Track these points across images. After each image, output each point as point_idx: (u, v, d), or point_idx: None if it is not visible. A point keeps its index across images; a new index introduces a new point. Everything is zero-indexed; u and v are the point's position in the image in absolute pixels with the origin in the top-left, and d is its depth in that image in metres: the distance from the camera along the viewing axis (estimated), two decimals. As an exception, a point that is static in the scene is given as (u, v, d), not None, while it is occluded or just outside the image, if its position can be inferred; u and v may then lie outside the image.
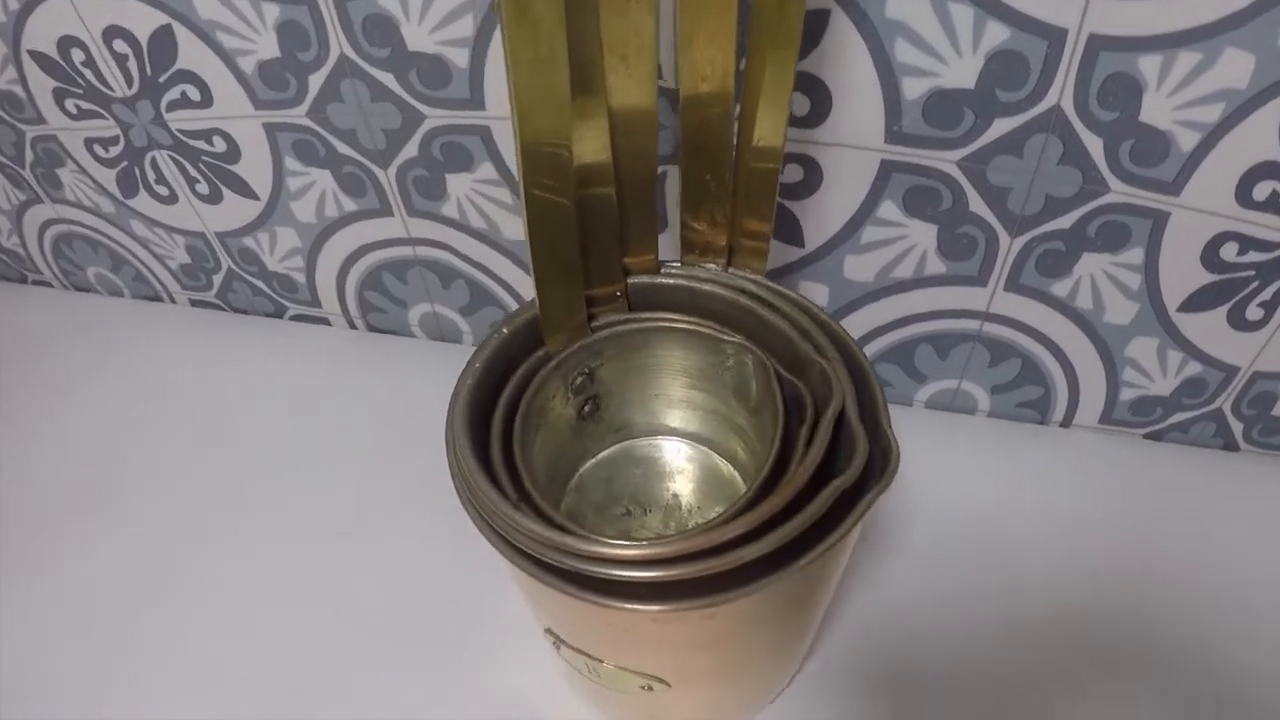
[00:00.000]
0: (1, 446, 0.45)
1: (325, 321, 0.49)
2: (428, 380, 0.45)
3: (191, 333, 0.51)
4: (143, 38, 0.37)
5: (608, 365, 0.27)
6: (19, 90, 0.42)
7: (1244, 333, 0.37)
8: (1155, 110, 0.31)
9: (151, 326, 0.52)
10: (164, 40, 0.37)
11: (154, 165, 0.43)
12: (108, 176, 0.45)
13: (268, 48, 0.36)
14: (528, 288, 0.43)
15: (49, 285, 0.57)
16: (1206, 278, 0.36)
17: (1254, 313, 0.37)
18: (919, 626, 0.35)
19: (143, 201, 0.46)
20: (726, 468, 0.29)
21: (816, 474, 0.21)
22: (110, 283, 0.54)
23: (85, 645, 0.36)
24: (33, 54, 0.40)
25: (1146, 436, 0.43)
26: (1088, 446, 0.42)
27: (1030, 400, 0.42)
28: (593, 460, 0.29)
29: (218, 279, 0.49)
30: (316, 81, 0.36)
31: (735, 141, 0.25)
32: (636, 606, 0.20)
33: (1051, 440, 0.42)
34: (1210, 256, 0.35)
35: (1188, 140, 0.31)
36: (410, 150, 0.38)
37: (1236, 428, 0.42)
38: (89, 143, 0.44)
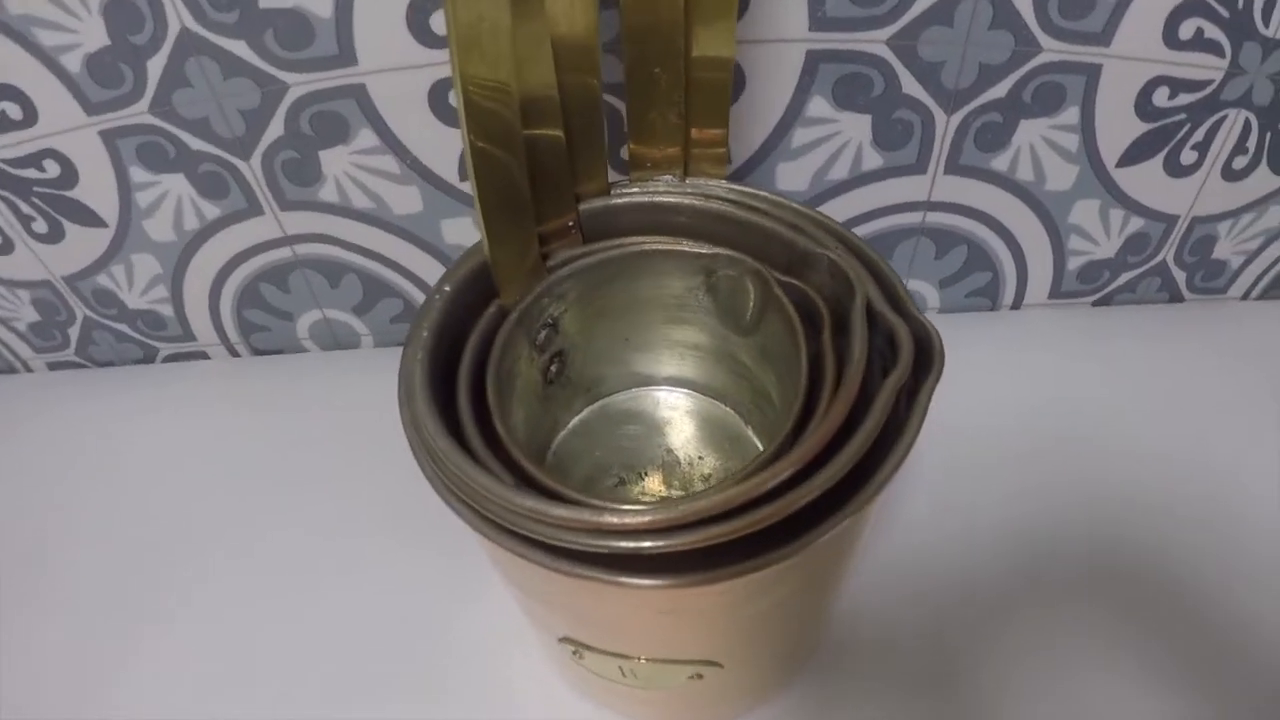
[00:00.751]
0: None
1: (203, 355, 0.43)
2: (332, 394, 0.40)
3: (55, 400, 0.44)
4: None
5: (571, 311, 0.23)
6: None
7: (1180, 179, 0.36)
8: (1080, -47, 0.29)
9: (8, 404, 0.44)
10: None
11: None
12: None
13: (95, 36, 0.30)
14: (425, 269, 0.38)
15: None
16: (1141, 128, 0.34)
17: (1188, 157, 0.36)
18: (914, 521, 0.32)
19: (-26, 255, 0.39)
20: (719, 408, 0.26)
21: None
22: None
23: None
24: None
25: (1095, 304, 0.42)
26: (1039, 324, 0.41)
27: (979, 288, 0.40)
28: (566, 430, 0.26)
29: (74, 333, 0.43)
30: (156, 67, 0.31)
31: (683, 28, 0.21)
32: (690, 578, 0.16)
33: (1004, 324, 0.41)
34: (1144, 105, 0.33)
35: (1114, -16, 0.29)
36: (275, 130, 0.32)
37: (1180, 278, 0.41)
38: None
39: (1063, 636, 0.29)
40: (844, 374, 0.18)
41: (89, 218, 0.37)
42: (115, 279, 0.39)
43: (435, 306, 0.20)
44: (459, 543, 0.31)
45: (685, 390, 0.26)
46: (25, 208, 0.36)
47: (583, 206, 0.22)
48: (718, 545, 0.16)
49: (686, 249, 0.22)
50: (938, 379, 0.18)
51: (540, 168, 0.21)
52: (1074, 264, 0.39)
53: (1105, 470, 0.34)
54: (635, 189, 0.23)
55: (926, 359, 0.18)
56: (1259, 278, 0.42)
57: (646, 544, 0.16)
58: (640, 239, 0.22)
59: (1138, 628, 0.30)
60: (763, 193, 0.23)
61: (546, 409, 0.24)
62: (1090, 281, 0.40)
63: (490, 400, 0.19)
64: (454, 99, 0.19)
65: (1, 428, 0.42)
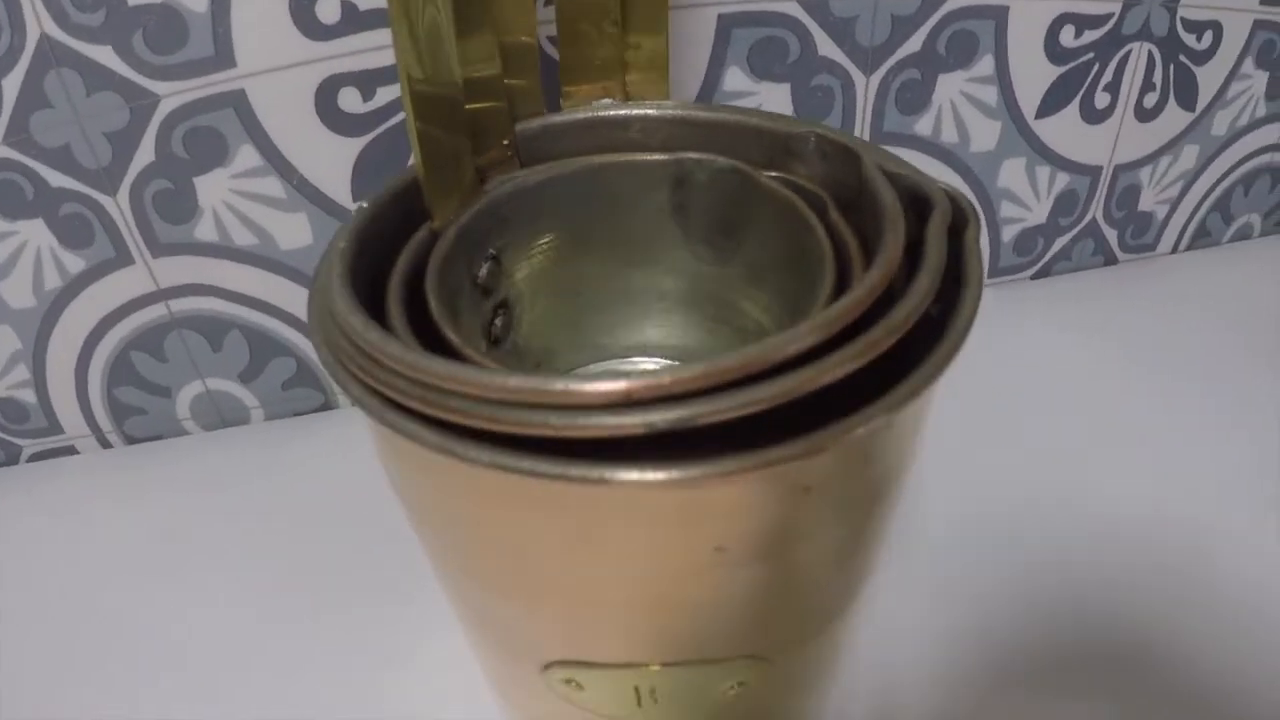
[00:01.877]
0: None
1: (72, 450, 0.38)
2: (221, 478, 0.35)
3: None
4: None
5: (516, 249, 0.19)
6: None
7: (1097, 125, 0.36)
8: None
9: None
10: None
11: None
12: None
13: None
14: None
15: None
16: (1054, 71, 0.34)
17: (1101, 99, 0.35)
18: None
19: None
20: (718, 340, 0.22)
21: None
22: None
23: None
24: None
25: (1034, 277, 0.41)
26: (982, 305, 0.39)
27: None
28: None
29: (-87, 437, 0.37)
30: (12, 86, 0.27)
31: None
32: (706, 466, 0.12)
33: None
34: (1052, 46, 0.33)
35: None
36: (145, 155, 0.28)
37: (1111, 236, 0.40)
38: None
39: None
40: (872, 245, 0.15)
41: (-75, 289, 0.32)
42: (-37, 364, 0.34)
43: (353, 221, 0.16)
44: (374, 608, 0.27)
45: (655, 361, 0.23)
46: None
47: (519, 127, 0.19)
48: (743, 423, 0.12)
49: (645, 159, 0.19)
50: (979, 227, 0.15)
51: (474, 92, 0.18)
52: (1008, 234, 0.38)
53: (1051, 444, 0.32)
54: (577, 111, 0.20)
55: (960, 211, 0.15)
56: (1183, 229, 0.42)
57: (666, 414, 0.12)
58: (593, 157, 0.19)
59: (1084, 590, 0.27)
60: (716, 105, 0.20)
61: (501, 358, 0.21)
62: (1026, 253, 0.39)
63: (433, 309, 0.16)
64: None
65: None
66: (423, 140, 0.16)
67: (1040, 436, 0.32)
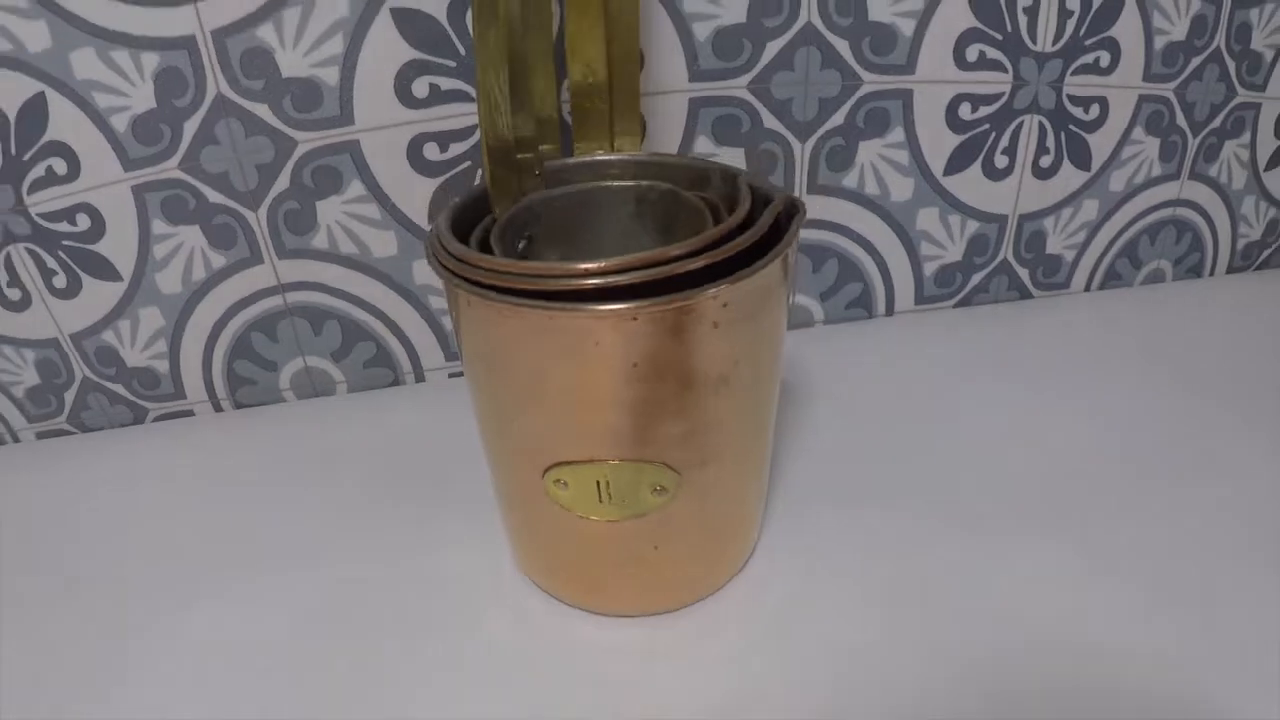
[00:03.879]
0: None
1: (189, 414, 0.56)
2: (315, 441, 0.53)
3: (46, 468, 0.54)
4: (11, 111, 0.44)
5: (542, 232, 0.38)
6: None
7: (998, 182, 0.54)
8: (878, 9, 0.47)
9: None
10: (35, 111, 0.44)
11: (7, 265, 0.49)
12: None
13: (143, 100, 0.44)
14: (401, 312, 0.53)
15: None
16: (955, 139, 0.52)
17: (1000, 161, 0.53)
18: (826, 485, 0.46)
19: (-9, 319, 0.52)
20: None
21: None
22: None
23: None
24: None
25: (956, 305, 0.58)
26: (911, 328, 0.57)
27: (854, 299, 0.57)
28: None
29: (70, 396, 0.55)
30: (191, 127, 0.45)
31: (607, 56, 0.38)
32: (634, 309, 0.28)
33: (881, 331, 0.57)
34: (953, 119, 0.51)
35: (907, 27, 0.47)
36: (282, 183, 0.47)
37: (1023, 274, 0.58)
38: None
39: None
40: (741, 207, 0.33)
41: (107, 271, 0.50)
42: (119, 335, 0.52)
43: (452, 205, 0.35)
44: (419, 525, 0.44)
45: None
46: (50, 261, 0.49)
47: (547, 164, 0.38)
48: (666, 281, 0.29)
49: (619, 184, 0.38)
50: (802, 216, 0.33)
51: (521, 145, 0.36)
52: (929, 269, 0.56)
53: (965, 453, 0.47)
54: (582, 157, 0.39)
55: (793, 207, 0.33)
56: (1093, 270, 0.60)
57: (614, 275, 0.29)
58: (585, 182, 0.38)
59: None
60: (664, 153, 0.39)
61: None
62: (947, 285, 0.57)
63: (496, 254, 0.33)
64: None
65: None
66: (491, 171, 0.35)
67: (950, 430, 0.49)
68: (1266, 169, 0.59)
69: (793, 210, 0.33)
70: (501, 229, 0.35)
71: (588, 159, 0.38)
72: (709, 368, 0.31)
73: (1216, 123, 0.56)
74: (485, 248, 0.34)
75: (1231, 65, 0.54)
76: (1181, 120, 0.55)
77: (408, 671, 0.37)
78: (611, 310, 0.29)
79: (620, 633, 0.38)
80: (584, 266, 0.29)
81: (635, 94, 0.38)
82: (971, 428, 0.48)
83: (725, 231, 0.31)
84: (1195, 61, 0.53)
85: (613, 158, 0.38)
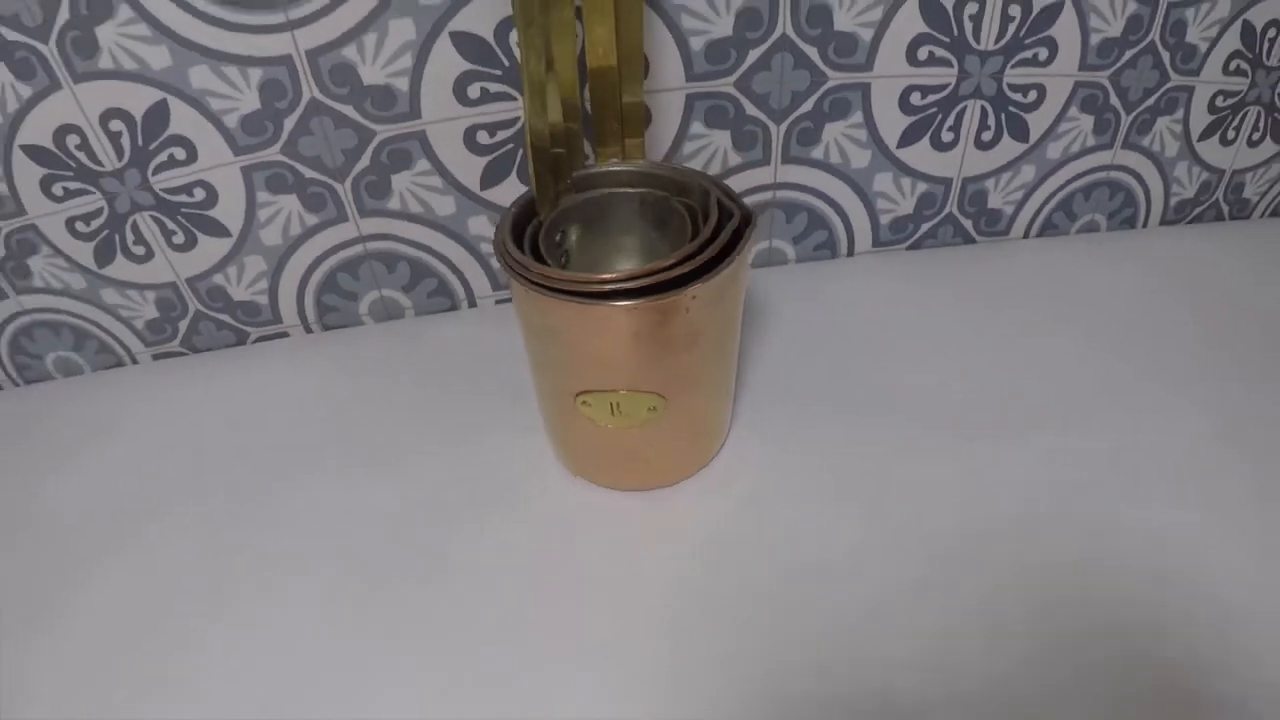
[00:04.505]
0: None
1: (284, 335, 0.73)
2: (389, 357, 0.70)
3: (161, 385, 0.71)
4: (138, 114, 0.58)
5: (573, 229, 0.53)
6: (1, 188, 0.61)
7: (944, 152, 0.68)
8: (842, 21, 0.60)
9: (120, 394, 0.71)
10: (158, 114, 0.58)
11: (134, 228, 0.65)
12: (84, 251, 0.66)
13: (250, 103, 0.59)
14: (457, 255, 0.68)
15: (-3, 389, 0.76)
16: (907, 120, 0.66)
17: (946, 136, 0.67)
18: (778, 416, 0.62)
19: (118, 268, 0.67)
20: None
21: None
22: (69, 364, 0.74)
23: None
24: (25, 148, 0.59)
25: (908, 248, 0.74)
26: (869, 267, 0.72)
27: (821, 242, 0.72)
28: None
29: (183, 325, 0.72)
30: (290, 123, 0.61)
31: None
32: (635, 305, 0.45)
33: (843, 268, 0.72)
34: (905, 105, 0.65)
35: (866, 35, 0.61)
36: (364, 162, 0.63)
37: (967, 224, 0.73)
38: (70, 221, 0.64)
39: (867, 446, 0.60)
40: (707, 224, 0.49)
41: (219, 230, 0.66)
42: (228, 278, 0.68)
43: (510, 212, 0.50)
44: (495, 437, 0.61)
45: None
46: (170, 224, 0.65)
47: (575, 173, 0.53)
48: (659, 285, 0.45)
49: (628, 191, 0.53)
50: (754, 228, 0.48)
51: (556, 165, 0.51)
52: (884, 219, 0.71)
53: (906, 370, 0.65)
54: (599, 167, 0.54)
55: (748, 218, 0.48)
56: (1031, 220, 0.74)
57: (623, 283, 0.45)
58: (604, 189, 0.53)
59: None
60: (662, 163, 0.53)
61: None
62: (900, 232, 0.72)
63: (543, 253, 0.49)
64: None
65: (115, 413, 0.69)
66: (536, 174, 0.50)
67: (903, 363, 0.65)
68: (1200, 139, 0.72)
69: (746, 223, 0.48)
70: (546, 229, 0.50)
71: (604, 168, 0.53)
72: (684, 335, 0.47)
73: (1150, 102, 0.68)
74: (535, 242, 0.50)
75: (1166, 55, 0.66)
76: (1115, 101, 0.68)
77: (473, 528, 0.55)
78: (621, 305, 0.45)
79: (625, 502, 0.56)
80: (603, 276, 0.45)
81: (640, 99, 0.53)
82: (914, 349, 0.65)
83: (697, 247, 0.46)
84: (1129, 54, 0.65)
85: (622, 168, 0.53)
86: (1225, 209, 0.78)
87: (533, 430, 0.59)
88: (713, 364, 0.52)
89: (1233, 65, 0.67)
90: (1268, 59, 0.67)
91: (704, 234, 0.47)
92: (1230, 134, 0.72)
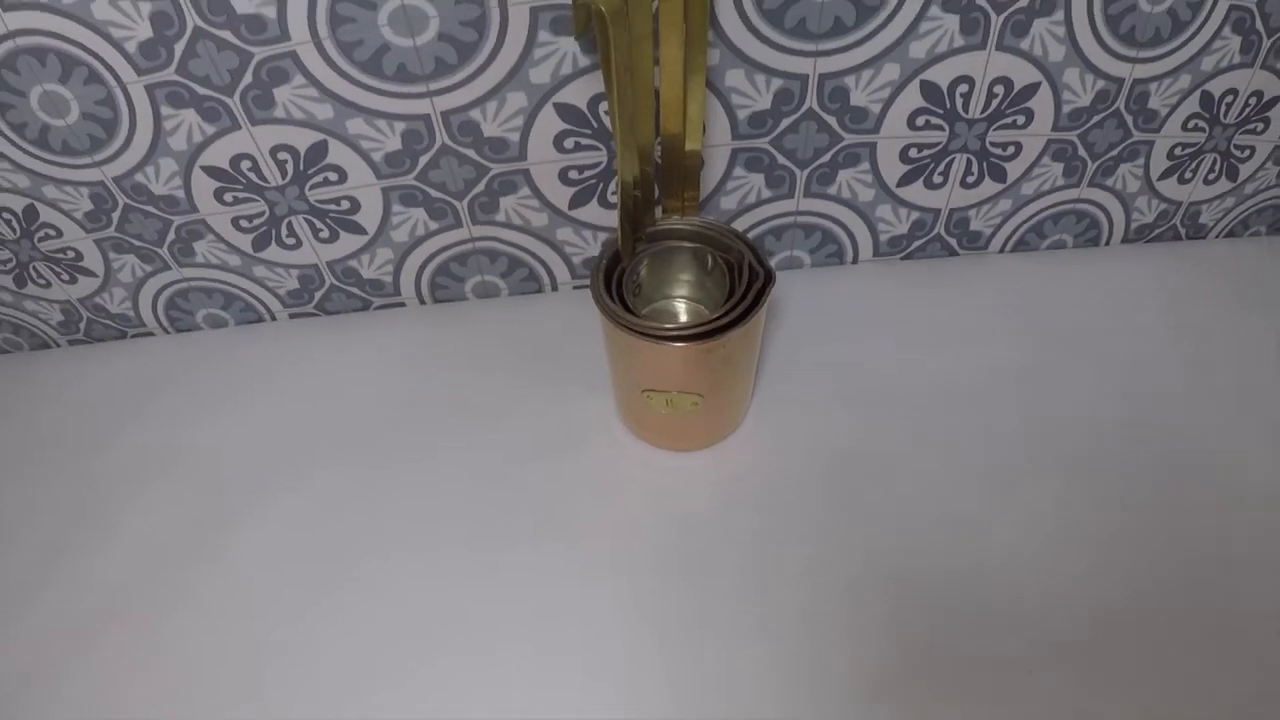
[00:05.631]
0: (141, 466, 0.81)
1: (401, 305, 0.98)
2: (487, 328, 0.94)
3: (298, 341, 0.94)
4: (302, 149, 0.80)
5: (644, 270, 0.77)
6: (179, 193, 0.83)
7: (935, 190, 0.90)
8: (857, 99, 0.83)
9: (257, 343, 0.95)
10: (318, 149, 0.80)
11: (288, 226, 0.89)
12: (244, 240, 0.89)
13: (394, 145, 0.82)
14: (545, 253, 0.92)
15: (150, 335, 1.00)
16: (905, 168, 0.88)
17: (937, 179, 0.89)
18: (791, 390, 0.87)
19: (271, 252, 0.91)
20: (700, 308, 0.81)
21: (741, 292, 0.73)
22: (217, 319, 0.99)
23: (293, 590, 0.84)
24: (204, 168, 0.81)
25: (903, 259, 0.98)
26: (869, 272, 0.96)
27: (832, 252, 0.95)
28: (641, 314, 0.80)
29: (319, 294, 0.96)
30: (424, 159, 0.83)
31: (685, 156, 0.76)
32: (687, 345, 0.70)
33: (849, 273, 0.95)
34: (904, 157, 0.87)
35: (875, 108, 0.84)
36: (479, 188, 0.86)
37: (951, 242, 0.96)
38: (235, 219, 0.87)
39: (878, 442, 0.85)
40: (739, 287, 0.73)
41: (358, 230, 0.89)
42: (361, 262, 0.92)
43: (602, 262, 0.75)
44: (571, 402, 0.84)
45: (683, 298, 0.81)
46: (319, 224, 0.88)
47: (647, 230, 0.77)
48: (703, 333, 0.70)
49: (685, 245, 0.77)
50: (773, 285, 0.72)
51: (635, 214, 0.75)
52: (884, 235, 0.94)
53: (894, 354, 0.90)
54: (665, 222, 0.78)
55: (769, 278, 0.72)
56: (1007, 240, 0.98)
57: (676, 333, 0.70)
58: (668, 242, 0.77)
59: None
60: (715, 221, 0.77)
61: (636, 305, 0.78)
62: (896, 247, 0.96)
63: (625, 296, 0.74)
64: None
65: (257, 364, 0.93)
66: (621, 230, 0.74)
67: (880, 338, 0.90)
68: (1159, 179, 0.87)
69: (768, 281, 0.73)
70: (628, 272, 0.75)
71: (667, 225, 0.77)
72: (720, 360, 0.71)
73: (1114, 153, 0.87)
74: (619, 278, 0.74)
75: (1130, 119, 0.80)
76: (1083, 153, 0.87)
77: (551, 475, 0.78)
78: (677, 345, 0.69)
79: (672, 458, 0.79)
80: (666, 326, 0.69)
81: (698, 150, 0.76)
82: (898, 336, 0.89)
83: (729, 307, 0.71)
84: (1097, 118, 0.84)
85: (681, 225, 0.77)
86: (1182, 231, 0.94)
87: (603, 395, 0.83)
88: (740, 372, 0.76)
89: (1191, 124, 0.82)
90: (1224, 118, 0.82)
91: (737, 294, 0.72)
92: (1188, 175, 0.88)
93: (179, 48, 0.70)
